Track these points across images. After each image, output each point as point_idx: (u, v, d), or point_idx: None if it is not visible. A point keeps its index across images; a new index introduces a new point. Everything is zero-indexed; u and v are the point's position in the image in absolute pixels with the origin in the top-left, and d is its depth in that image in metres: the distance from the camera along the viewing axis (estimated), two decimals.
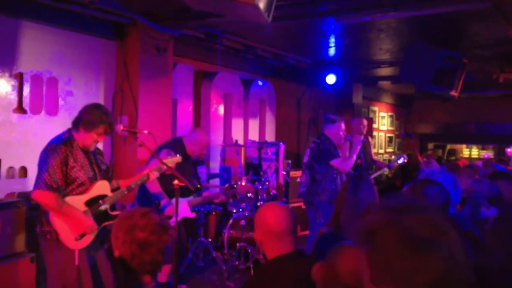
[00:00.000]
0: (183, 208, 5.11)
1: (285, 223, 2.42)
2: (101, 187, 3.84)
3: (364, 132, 7.02)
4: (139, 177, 4.11)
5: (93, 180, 3.79)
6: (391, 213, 1.21)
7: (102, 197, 3.82)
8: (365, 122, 7.16)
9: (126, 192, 3.98)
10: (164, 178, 4.48)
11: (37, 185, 3.57)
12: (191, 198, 5.23)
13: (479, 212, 3.99)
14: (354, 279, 1.74)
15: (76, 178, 3.69)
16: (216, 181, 8.04)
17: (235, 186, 6.14)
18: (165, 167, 4.19)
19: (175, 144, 5.17)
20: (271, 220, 2.43)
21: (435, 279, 1.11)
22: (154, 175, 4.14)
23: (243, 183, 6.20)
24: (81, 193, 3.72)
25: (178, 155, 4.48)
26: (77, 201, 3.69)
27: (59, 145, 3.66)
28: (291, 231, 2.44)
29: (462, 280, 1.13)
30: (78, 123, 3.74)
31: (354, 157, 5.70)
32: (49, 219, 3.61)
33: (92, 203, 3.76)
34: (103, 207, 3.80)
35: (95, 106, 3.85)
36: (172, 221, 4.88)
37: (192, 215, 5.38)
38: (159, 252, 2.13)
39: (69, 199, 3.66)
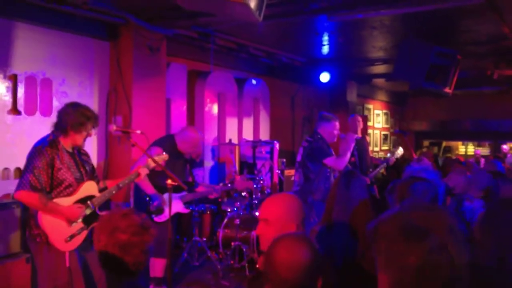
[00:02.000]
0: (176, 203, 5.15)
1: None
2: (89, 188, 3.84)
3: (360, 128, 7.09)
4: (127, 177, 4.12)
5: (80, 181, 3.79)
6: (399, 209, 1.31)
7: (90, 197, 3.83)
8: (359, 118, 7.24)
9: (114, 192, 3.98)
10: (157, 175, 4.50)
11: (21, 186, 3.56)
12: (184, 193, 5.24)
13: (462, 205, 4.04)
14: (286, 269, 1.77)
15: (63, 180, 3.68)
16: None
17: (229, 185, 6.14)
18: (152, 164, 4.21)
19: (167, 141, 5.19)
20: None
21: (421, 265, 1.18)
22: (144, 171, 4.15)
23: (243, 179, 6.20)
24: (68, 194, 3.72)
25: (164, 153, 4.49)
26: (65, 203, 3.70)
27: (45, 147, 3.65)
28: (299, 223, 2.51)
29: (452, 273, 1.19)
30: (64, 127, 3.71)
31: (348, 155, 5.70)
32: (38, 222, 3.61)
33: (80, 203, 3.76)
34: (91, 208, 3.80)
35: (73, 106, 3.81)
36: (165, 216, 4.91)
37: (185, 210, 5.40)
38: (142, 253, 2.12)
39: (57, 201, 3.66)
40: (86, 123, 3.73)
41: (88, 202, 3.80)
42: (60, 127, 3.72)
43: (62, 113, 3.77)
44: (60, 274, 3.64)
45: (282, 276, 1.78)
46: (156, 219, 4.98)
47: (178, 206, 5.19)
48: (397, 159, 7.38)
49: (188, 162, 5.56)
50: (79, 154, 3.90)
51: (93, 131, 3.85)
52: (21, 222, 4.56)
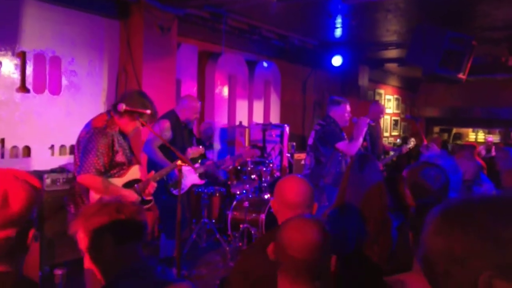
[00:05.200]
0: (191, 175, 5.20)
1: (300, 196, 2.45)
2: (136, 171, 3.86)
3: (382, 116, 7.09)
4: (170, 166, 4.21)
5: (130, 164, 3.82)
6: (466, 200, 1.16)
7: (137, 181, 3.85)
8: (384, 111, 7.21)
9: (158, 178, 4.02)
10: (170, 150, 4.56)
11: (86, 169, 3.52)
12: (197, 165, 5.25)
13: (472, 190, 3.99)
14: (298, 251, 1.78)
15: (119, 162, 3.71)
16: None
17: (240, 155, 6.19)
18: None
19: (171, 115, 5.22)
20: (287, 191, 2.47)
21: None
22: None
23: (247, 148, 6.24)
24: (119, 176, 3.75)
25: (201, 147, 4.65)
26: (116, 184, 3.72)
27: (106, 128, 3.63)
28: (305, 205, 2.45)
29: None
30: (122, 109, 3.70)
31: (360, 139, 5.61)
32: (89, 200, 3.58)
33: (128, 186, 3.78)
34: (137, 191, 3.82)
35: (140, 93, 3.88)
36: (182, 189, 4.96)
37: (201, 181, 5.47)
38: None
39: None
40: (137, 109, 3.71)
41: (135, 185, 3.82)
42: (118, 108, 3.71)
43: (126, 95, 3.81)
44: None
45: (294, 257, 1.78)
46: (175, 192, 5.00)
47: (193, 178, 5.27)
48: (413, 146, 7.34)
49: (193, 134, 5.56)
50: (127, 137, 3.91)
51: (139, 123, 3.80)
52: None
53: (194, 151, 4.65)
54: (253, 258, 2.37)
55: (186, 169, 4.91)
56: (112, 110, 3.75)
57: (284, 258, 1.81)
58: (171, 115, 5.20)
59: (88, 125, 3.70)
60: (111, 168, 3.67)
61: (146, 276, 1.96)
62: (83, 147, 3.61)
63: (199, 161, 5.37)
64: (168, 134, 5.02)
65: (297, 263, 1.78)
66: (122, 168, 3.74)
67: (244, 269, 2.34)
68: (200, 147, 4.72)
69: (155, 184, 3.94)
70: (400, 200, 3.35)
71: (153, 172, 4.01)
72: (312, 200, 2.49)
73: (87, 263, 2.04)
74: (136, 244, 2.07)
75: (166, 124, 5.03)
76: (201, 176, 5.47)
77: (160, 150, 4.89)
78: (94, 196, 3.60)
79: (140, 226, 2.09)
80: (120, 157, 3.69)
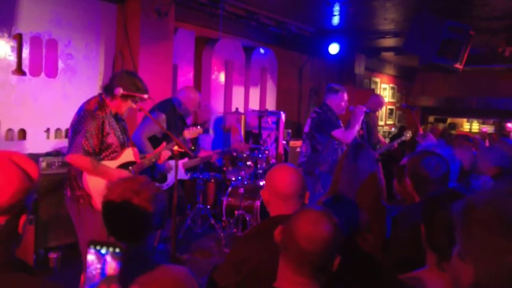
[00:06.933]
0: (178, 169, 5.16)
1: (292, 186, 2.40)
2: (130, 154, 3.86)
3: (380, 109, 7.11)
4: (168, 146, 4.17)
5: (123, 146, 3.80)
6: (493, 194, 1.21)
7: (131, 163, 3.84)
8: (383, 104, 7.21)
9: (153, 160, 4.05)
10: (160, 141, 4.53)
11: (74, 150, 3.53)
12: (185, 160, 5.23)
13: (471, 183, 4.00)
14: (307, 240, 1.77)
15: (111, 144, 3.69)
16: None
17: (231, 149, 6.21)
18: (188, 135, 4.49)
19: (167, 105, 5.16)
20: (279, 182, 2.42)
21: None
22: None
23: (241, 144, 6.28)
24: (112, 159, 3.73)
25: (199, 127, 4.63)
26: (110, 166, 3.71)
27: (96, 110, 3.62)
28: (298, 195, 2.41)
29: None
30: (113, 91, 3.69)
31: (357, 127, 5.63)
32: (82, 183, 3.60)
33: (122, 169, 3.78)
34: (132, 173, 3.81)
35: (129, 73, 3.87)
36: (168, 184, 4.94)
37: (186, 176, 5.45)
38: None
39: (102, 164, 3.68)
40: (134, 94, 3.71)
41: (130, 167, 3.81)
42: (110, 90, 3.69)
43: (115, 76, 3.78)
44: (101, 236, 3.65)
45: (301, 246, 1.77)
46: (159, 186, 4.98)
47: (179, 172, 5.20)
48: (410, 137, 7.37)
49: (186, 124, 5.54)
50: (121, 120, 3.89)
51: (136, 106, 3.81)
52: None
53: (191, 131, 4.60)
54: (247, 248, 2.36)
55: (173, 163, 4.89)
56: (104, 92, 3.74)
57: (291, 245, 1.80)
58: (167, 106, 5.14)
59: (80, 109, 3.70)
60: (102, 150, 3.66)
61: (144, 261, 1.98)
62: (73, 127, 3.63)
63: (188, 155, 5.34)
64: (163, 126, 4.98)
65: (303, 252, 1.77)
66: (114, 151, 3.73)
67: (237, 259, 2.33)
68: (198, 127, 4.66)
69: (168, 152, 4.04)
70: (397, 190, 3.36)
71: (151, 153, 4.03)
72: (304, 189, 2.46)
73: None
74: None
75: (161, 116, 4.96)
76: (187, 171, 5.44)
77: (150, 142, 4.85)
78: (86, 179, 3.60)
79: (149, 216, 2.11)
80: (111, 139, 3.68)
